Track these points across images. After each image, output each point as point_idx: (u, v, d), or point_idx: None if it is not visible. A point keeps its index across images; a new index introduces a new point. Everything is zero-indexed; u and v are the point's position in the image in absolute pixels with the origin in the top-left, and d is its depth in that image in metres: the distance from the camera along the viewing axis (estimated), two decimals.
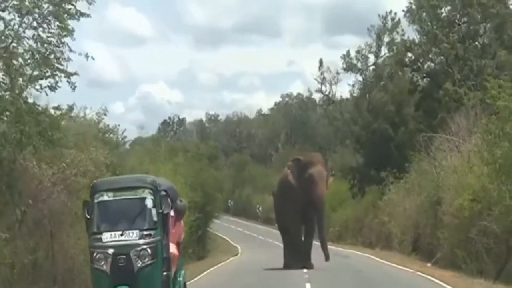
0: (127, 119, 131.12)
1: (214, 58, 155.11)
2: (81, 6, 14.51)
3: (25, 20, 13.99)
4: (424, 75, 52.82)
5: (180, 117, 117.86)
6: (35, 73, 14.12)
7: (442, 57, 50.73)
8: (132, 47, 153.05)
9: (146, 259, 13.94)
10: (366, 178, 51.46)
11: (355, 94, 69.61)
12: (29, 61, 14.00)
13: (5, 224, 16.41)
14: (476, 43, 50.79)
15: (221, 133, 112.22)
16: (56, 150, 16.83)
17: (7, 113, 14.06)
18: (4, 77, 13.88)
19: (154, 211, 14.11)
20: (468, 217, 24.26)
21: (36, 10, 13.96)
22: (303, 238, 26.67)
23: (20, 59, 13.97)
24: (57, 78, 14.36)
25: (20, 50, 14.04)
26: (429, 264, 27.34)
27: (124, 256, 13.88)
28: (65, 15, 14.16)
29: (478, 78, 48.52)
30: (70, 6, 14.29)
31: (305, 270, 24.43)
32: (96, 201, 14.32)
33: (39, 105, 14.84)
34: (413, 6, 52.33)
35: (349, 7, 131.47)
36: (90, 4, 14.45)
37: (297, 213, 25.64)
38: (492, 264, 22.69)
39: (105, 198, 14.22)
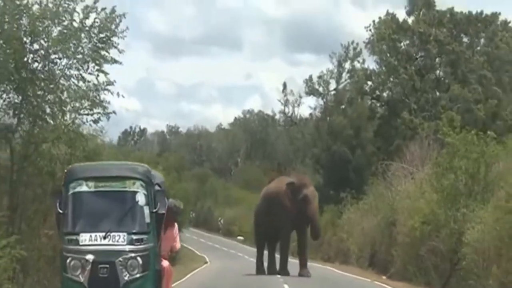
0: None
1: (173, 68, 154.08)
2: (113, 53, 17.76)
3: (70, 62, 17.19)
4: (383, 103, 56.47)
5: (141, 127, 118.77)
6: (77, 104, 17.24)
7: (400, 88, 54.38)
8: None
9: (136, 271, 11.27)
10: (325, 198, 54.35)
11: (316, 117, 72.66)
12: (73, 95, 17.12)
13: (49, 225, 17.35)
14: (432, 76, 54.72)
15: (182, 146, 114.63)
16: None
17: (62, 139, 17.05)
18: (57, 109, 17.03)
19: (146, 210, 11.43)
20: (419, 237, 26.91)
21: (79, 55, 17.19)
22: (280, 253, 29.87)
23: (65, 94, 17.11)
24: (96, 115, 17.39)
25: (66, 86, 17.18)
26: (384, 277, 30.30)
27: (107, 266, 11.16)
28: (102, 59, 17.43)
29: (433, 109, 52.40)
30: (105, 53, 17.55)
31: (279, 276, 27.56)
32: (71, 191, 11.49)
33: (85, 134, 17.87)
34: (374, 38, 56.05)
35: (309, 25, 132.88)
36: (120, 52, 17.76)
37: (289, 228, 28.68)
38: (438, 278, 26.05)
39: (84, 188, 11.46)
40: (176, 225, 12.81)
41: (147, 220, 11.47)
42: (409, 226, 28.05)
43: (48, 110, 17.20)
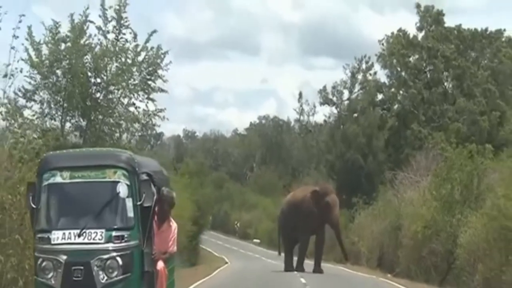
0: None
1: (190, 72, 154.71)
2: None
3: (124, 91, 20.54)
4: (393, 114, 59.57)
5: (158, 131, 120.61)
6: (130, 128, 20.62)
7: (409, 101, 57.52)
8: None
9: (115, 273, 10.00)
10: (339, 202, 57.03)
11: (330, 124, 75.26)
12: (126, 119, 20.49)
13: None
14: (440, 89, 57.83)
15: (198, 150, 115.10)
16: None
17: None
18: (115, 130, 20.42)
19: (129, 203, 10.18)
20: (421, 240, 30.12)
21: (131, 86, 20.57)
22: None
23: (121, 118, 20.49)
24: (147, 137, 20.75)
25: (121, 111, 20.57)
26: (389, 275, 33.18)
27: (81, 267, 9.93)
28: (150, 89, 20.80)
29: (440, 121, 55.62)
30: (152, 83, 20.99)
31: (295, 272, 30.73)
32: (45, 183, 10.29)
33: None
34: (386, 53, 59.26)
35: (325, 29, 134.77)
36: (165, 82, 21.18)
37: (310, 229, 31.78)
38: (437, 276, 29.24)
39: (58, 179, 10.25)
40: (174, 223, 11.44)
41: (130, 214, 10.16)
42: (412, 230, 31.26)
43: (107, 131, 20.52)
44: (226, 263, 43.90)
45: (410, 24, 64.48)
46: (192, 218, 40.68)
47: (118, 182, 10.24)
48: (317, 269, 31.40)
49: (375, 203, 43.62)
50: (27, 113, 18.77)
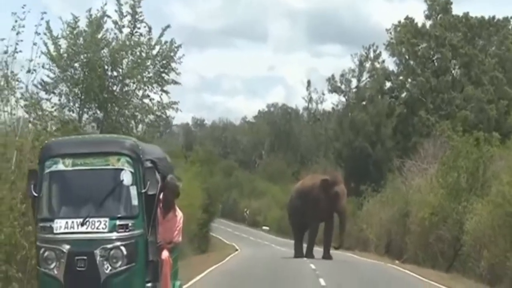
0: None
1: (197, 60, 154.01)
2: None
3: (139, 84, 21.20)
4: (401, 102, 60.10)
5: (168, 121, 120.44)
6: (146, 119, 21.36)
7: (417, 89, 58.06)
8: None
9: (119, 263, 9.77)
10: (347, 190, 57.48)
11: (338, 112, 75.68)
12: (141, 111, 21.19)
13: None
14: (448, 77, 58.35)
15: (207, 138, 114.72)
16: None
17: None
18: (130, 121, 21.13)
19: (133, 191, 9.92)
20: (428, 227, 30.79)
21: (145, 79, 21.27)
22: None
23: (136, 110, 21.17)
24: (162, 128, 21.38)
25: (136, 103, 21.26)
26: (397, 261, 33.75)
27: (85, 257, 9.70)
28: (164, 81, 21.46)
29: (448, 108, 56.16)
30: (166, 76, 21.66)
31: (305, 258, 31.37)
32: (47, 170, 10.04)
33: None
34: (394, 41, 59.79)
35: (333, 16, 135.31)
36: (178, 75, 21.84)
37: (319, 217, 32.45)
38: (444, 262, 29.84)
39: (61, 167, 9.98)
40: (180, 213, 11.25)
41: (134, 202, 9.93)
42: (420, 217, 31.91)
43: (123, 122, 21.19)
44: (237, 250, 44.46)
45: (418, 12, 65.13)
46: (203, 206, 41.18)
47: (122, 169, 9.94)
48: (326, 256, 32.10)
49: (383, 191, 44.16)
50: (46, 105, 19.39)
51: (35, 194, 9.99)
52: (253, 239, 62.26)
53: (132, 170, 9.95)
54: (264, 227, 74.83)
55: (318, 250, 33.20)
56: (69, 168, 9.99)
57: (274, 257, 32.93)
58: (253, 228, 77.64)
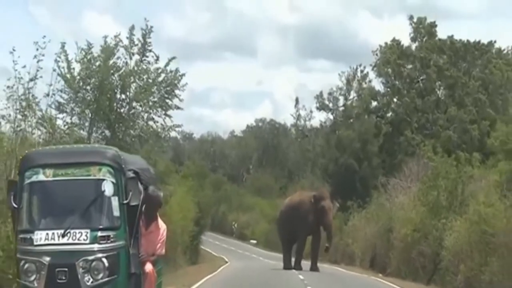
0: None
1: (187, 73, 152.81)
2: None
3: (144, 107, 22.95)
4: (387, 121, 61.75)
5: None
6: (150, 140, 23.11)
7: (402, 108, 59.80)
8: None
9: (101, 275, 9.68)
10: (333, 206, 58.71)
11: (326, 128, 77.19)
12: (146, 132, 22.92)
13: None
14: (432, 97, 60.09)
15: (195, 151, 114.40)
16: None
17: None
18: (136, 141, 22.83)
19: (115, 202, 9.84)
20: (410, 243, 32.34)
21: (150, 103, 23.03)
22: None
23: (141, 131, 22.89)
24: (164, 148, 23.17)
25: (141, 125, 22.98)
26: (380, 274, 35.11)
27: (66, 269, 9.62)
28: (167, 106, 23.16)
29: (433, 128, 57.95)
30: (169, 101, 23.41)
31: (294, 270, 32.93)
32: (27, 181, 9.94)
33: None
34: (380, 62, 61.58)
35: (322, 32, 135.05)
36: (181, 101, 23.59)
37: (306, 230, 34.09)
38: (424, 276, 31.49)
39: (41, 177, 9.87)
40: (163, 225, 11.07)
41: (116, 213, 9.85)
42: (403, 233, 33.52)
43: (129, 141, 22.91)
44: (227, 262, 45.27)
45: (405, 30, 66.73)
46: (194, 219, 42.49)
47: (103, 179, 9.87)
48: (314, 268, 33.77)
49: (368, 207, 45.31)
50: (58, 123, 21.07)
51: (15, 206, 9.94)
52: (241, 251, 63.29)
53: (114, 181, 9.88)
54: (251, 241, 75.89)
55: (305, 263, 34.84)
56: (50, 179, 9.89)
57: (264, 269, 34.49)
58: (240, 241, 78.60)
